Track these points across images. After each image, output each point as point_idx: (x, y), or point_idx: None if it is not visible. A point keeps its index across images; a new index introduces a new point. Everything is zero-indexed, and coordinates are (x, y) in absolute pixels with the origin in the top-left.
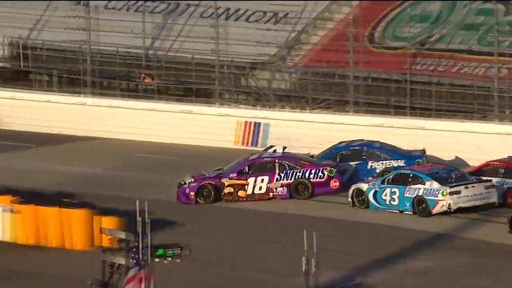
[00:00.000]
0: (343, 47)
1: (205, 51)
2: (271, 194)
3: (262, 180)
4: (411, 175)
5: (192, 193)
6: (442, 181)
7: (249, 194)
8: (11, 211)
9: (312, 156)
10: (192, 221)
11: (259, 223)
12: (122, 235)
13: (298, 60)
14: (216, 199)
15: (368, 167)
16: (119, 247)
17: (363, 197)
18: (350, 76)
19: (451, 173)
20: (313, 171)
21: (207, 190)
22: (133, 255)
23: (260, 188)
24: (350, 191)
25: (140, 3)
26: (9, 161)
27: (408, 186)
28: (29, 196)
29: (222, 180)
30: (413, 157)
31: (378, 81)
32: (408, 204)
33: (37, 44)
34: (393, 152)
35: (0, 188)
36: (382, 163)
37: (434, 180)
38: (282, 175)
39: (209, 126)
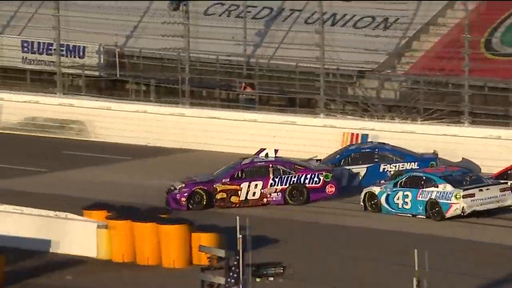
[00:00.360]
0: (458, 54)
1: (309, 59)
2: (265, 200)
3: (256, 185)
4: (424, 177)
5: (183, 199)
6: (456, 184)
7: (242, 200)
8: (106, 227)
9: (320, 160)
10: (293, 238)
11: (354, 240)
12: (221, 253)
13: (409, 68)
14: (208, 205)
15: (381, 170)
16: (218, 265)
17: (375, 200)
18: (465, 85)
19: (466, 175)
20: (308, 176)
21: (199, 195)
22: (232, 274)
23: (254, 193)
24: (362, 194)
25: (241, 8)
26: (104, 174)
27: (421, 189)
28: (124, 212)
29: (214, 185)
30: (426, 159)
31: (495, 90)
32: (421, 208)
33: (133, 52)
34: (405, 154)
35: (95, 203)
36: (395, 166)
37: (448, 182)
38: (277, 180)
39: (313, 138)
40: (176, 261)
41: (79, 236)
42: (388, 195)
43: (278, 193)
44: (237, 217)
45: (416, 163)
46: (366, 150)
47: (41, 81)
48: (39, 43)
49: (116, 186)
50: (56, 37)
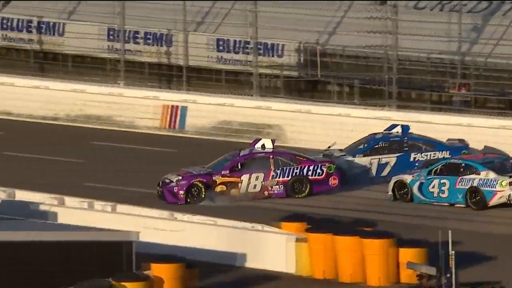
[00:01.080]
0: None
1: None
2: (266, 192)
3: (257, 177)
4: (463, 164)
5: (182, 192)
6: (499, 171)
7: (242, 193)
8: (305, 241)
9: (342, 150)
10: (504, 253)
11: None
12: (431, 271)
13: None
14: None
15: (411, 159)
16: (427, 284)
17: (406, 189)
18: None
19: (506, 162)
20: (311, 168)
21: (197, 188)
22: None
23: (255, 186)
24: (391, 183)
25: (455, 2)
26: None
27: (460, 177)
28: (318, 223)
29: (213, 178)
30: (458, 148)
31: None
32: (460, 196)
33: (335, 50)
34: (436, 142)
35: (292, 215)
36: (426, 155)
37: (490, 169)
38: (278, 172)
39: None
40: (380, 279)
41: (274, 249)
42: (421, 184)
43: (280, 186)
44: (439, 231)
45: (447, 151)
46: (395, 139)
47: (229, 82)
48: (235, 41)
49: (315, 197)
50: (253, 35)
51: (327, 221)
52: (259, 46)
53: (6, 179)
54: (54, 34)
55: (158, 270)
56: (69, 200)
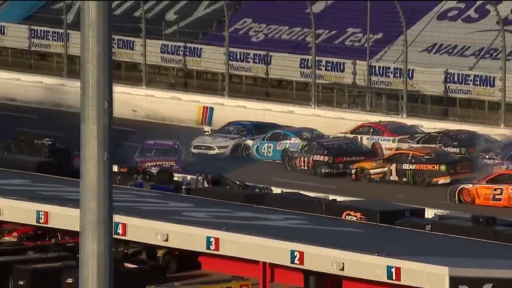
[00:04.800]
0: None
1: None
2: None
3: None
4: (282, 133)
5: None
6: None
7: None
8: None
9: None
10: None
11: None
12: None
13: None
14: None
15: None
16: None
17: (250, 151)
18: None
19: (316, 133)
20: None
21: None
22: None
23: None
24: (238, 146)
25: None
26: None
27: (280, 142)
28: None
29: None
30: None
31: None
32: (279, 155)
33: None
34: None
35: None
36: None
37: (298, 137)
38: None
39: None
40: None
41: None
42: (257, 147)
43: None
44: None
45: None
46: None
47: None
48: None
49: None
50: None
51: None
52: None
53: None
54: None
55: None
56: None
